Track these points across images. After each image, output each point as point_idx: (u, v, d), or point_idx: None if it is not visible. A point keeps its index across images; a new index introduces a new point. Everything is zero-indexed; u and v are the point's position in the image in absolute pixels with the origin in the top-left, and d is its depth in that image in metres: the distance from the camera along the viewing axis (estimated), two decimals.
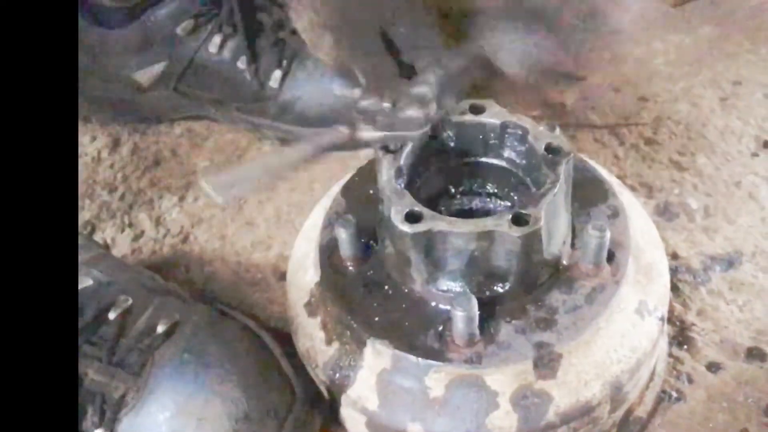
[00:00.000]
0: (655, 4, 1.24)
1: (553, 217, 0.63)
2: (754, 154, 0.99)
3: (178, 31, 0.98)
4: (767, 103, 1.06)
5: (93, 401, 0.67)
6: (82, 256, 0.77)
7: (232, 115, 1.05)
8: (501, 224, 0.60)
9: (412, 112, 0.66)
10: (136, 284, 0.75)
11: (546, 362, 0.62)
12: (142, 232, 0.97)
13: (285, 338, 0.73)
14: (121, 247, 0.95)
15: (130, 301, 0.72)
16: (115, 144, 1.07)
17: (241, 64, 0.99)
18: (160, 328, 0.70)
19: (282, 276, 0.90)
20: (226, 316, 0.75)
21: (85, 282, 0.74)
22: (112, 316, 0.71)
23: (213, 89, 1.02)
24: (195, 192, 1.01)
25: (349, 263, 0.69)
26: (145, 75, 1.02)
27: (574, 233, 0.69)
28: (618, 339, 0.65)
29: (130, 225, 0.97)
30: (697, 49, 1.16)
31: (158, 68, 1.01)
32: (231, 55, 0.99)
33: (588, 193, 0.72)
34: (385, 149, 0.66)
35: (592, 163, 0.76)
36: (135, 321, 0.71)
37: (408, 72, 0.74)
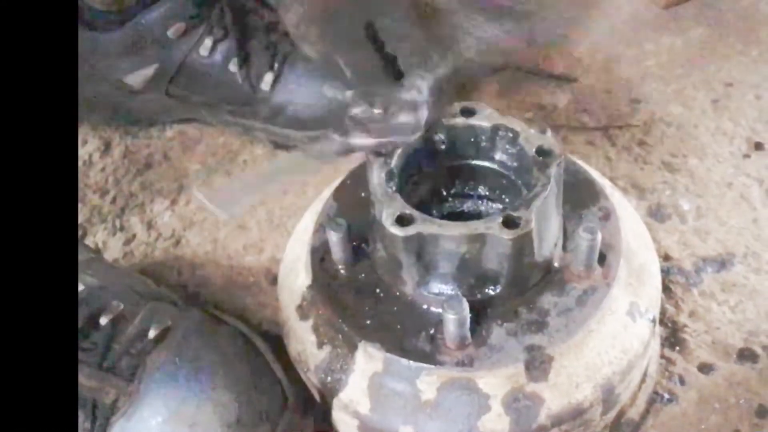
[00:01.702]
0: (647, 6, 1.25)
1: (544, 219, 0.63)
2: (746, 156, 1.00)
3: (169, 34, 0.98)
4: (759, 105, 1.06)
5: (84, 407, 0.66)
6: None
7: (223, 118, 1.04)
8: (492, 227, 0.60)
9: (404, 118, 0.66)
10: (128, 289, 0.75)
11: (537, 365, 0.62)
12: (134, 236, 0.96)
13: (277, 342, 0.73)
14: (113, 250, 0.95)
15: (122, 307, 0.72)
16: (107, 147, 1.06)
17: (233, 66, 0.99)
18: (152, 333, 0.70)
19: (274, 279, 0.89)
20: (219, 321, 0.75)
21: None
22: (103, 321, 0.71)
23: (204, 92, 1.02)
24: (187, 195, 1.00)
25: (340, 266, 0.69)
26: (137, 78, 1.01)
27: (566, 235, 0.69)
28: (609, 341, 0.65)
29: (122, 228, 0.97)
30: (688, 50, 1.17)
31: (149, 71, 1.01)
32: (222, 57, 0.99)
33: (579, 195, 0.72)
34: (376, 152, 0.66)
35: (584, 164, 0.76)
36: (127, 326, 0.70)
37: (392, 64, 0.74)
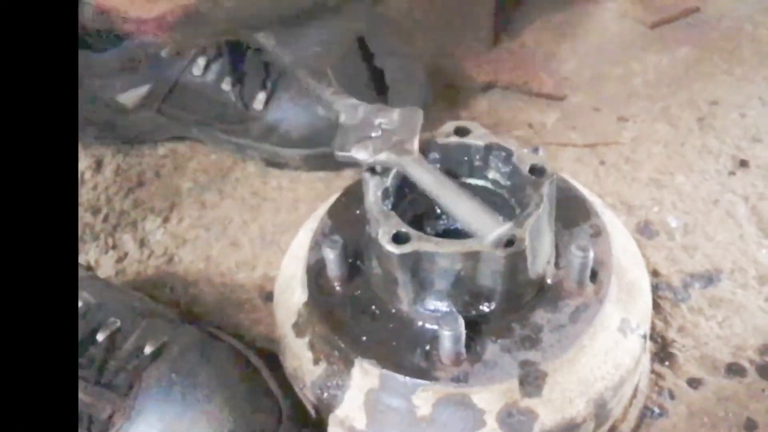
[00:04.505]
0: (633, 25, 1.27)
1: (537, 237, 0.64)
2: (731, 173, 1.01)
3: (163, 53, 0.99)
4: (743, 123, 1.08)
5: (80, 422, 0.67)
6: None
7: (216, 136, 1.05)
8: (486, 245, 0.61)
9: (358, 152, 0.67)
10: (125, 306, 0.75)
11: (531, 380, 0.63)
12: (126, 254, 0.96)
13: (270, 358, 0.74)
14: (105, 268, 0.95)
15: (119, 323, 0.72)
16: (98, 165, 1.07)
17: (226, 85, 1.00)
18: (148, 349, 0.70)
19: (267, 296, 0.90)
20: (214, 338, 0.75)
21: None
22: (100, 337, 0.71)
23: (197, 111, 1.03)
24: (179, 213, 1.01)
25: (336, 283, 0.70)
26: (130, 97, 1.02)
27: (558, 252, 0.70)
28: (601, 357, 0.66)
29: (114, 246, 0.97)
30: (674, 69, 1.18)
31: (142, 90, 1.01)
32: (215, 76, 1.00)
33: (571, 213, 0.73)
34: (372, 170, 0.66)
35: (575, 182, 0.78)
36: (123, 342, 0.71)
37: (379, 78, 0.76)
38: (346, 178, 1.02)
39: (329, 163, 1.02)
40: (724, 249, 0.92)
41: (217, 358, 0.71)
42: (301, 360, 0.69)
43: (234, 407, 0.67)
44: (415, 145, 0.67)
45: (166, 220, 1.00)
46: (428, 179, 0.65)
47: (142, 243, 0.98)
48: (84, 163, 1.06)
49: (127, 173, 1.06)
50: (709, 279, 0.89)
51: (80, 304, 0.73)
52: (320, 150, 1.00)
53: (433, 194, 0.65)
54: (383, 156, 0.67)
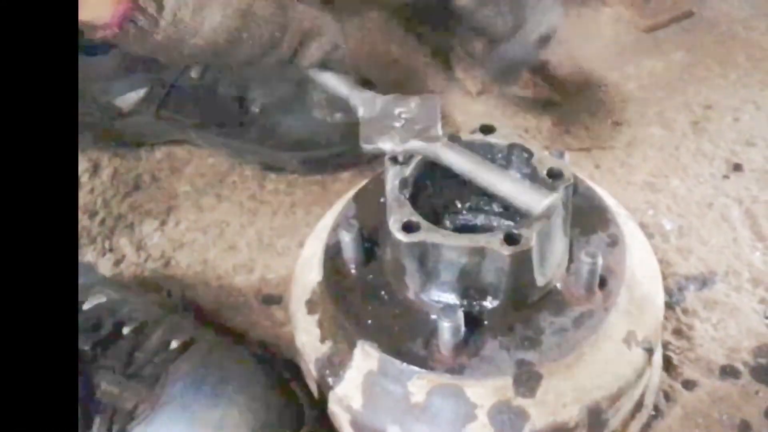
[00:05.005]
0: (628, 30, 1.27)
1: (548, 240, 0.64)
2: (725, 177, 1.02)
3: None
4: (737, 127, 1.09)
5: (103, 412, 0.67)
6: (93, 279, 0.79)
7: (213, 139, 1.05)
8: (493, 242, 0.62)
9: (385, 143, 0.69)
10: (148, 303, 0.77)
11: (525, 380, 0.63)
12: (123, 257, 0.97)
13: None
14: (103, 271, 0.94)
15: (143, 318, 0.74)
16: (95, 169, 1.07)
17: (223, 88, 1.00)
18: (175, 344, 0.71)
19: (264, 299, 0.91)
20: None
21: (99, 299, 0.75)
22: (126, 331, 0.72)
23: (194, 114, 1.03)
24: (176, 216, 1.01)
25: (351, 266, 0.71)
26: (127, 100, 1.02)
27: (571, 258, 0.70)
28: (601, 365, 0.65)
29: (111, 250, 0.97)
30: (669, 74, 1.19)
31: (140, 93, 1.02)
32: (212, 80, 1.00)
33: (591, 220, 0.73)
34: (394, 159, 0.68)
35: (600, 191, 0.77)
36: (149, 337, 0.72)
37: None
38: (344, 181, 1.02)
39: (326, 166, 1.03)
40: (718, 252, 0.93)
41: (245, 355, 0.73)
42: (310, 336, 0.70)
43: (266, 398, 0.68)
44: (440, 130, 0.69)
45: (163, 223, 1.01)
46: (463, 161, 0.66)
47: (139, 246, 0.98)
48: (81, 166, 1.06)
49: (124, 177, 1.06)
50: (704, 281, 0.89)
51: (104, 299, 0.75)
52: (317, 153, 1.01)
53: (471, 175, 0.66)
54: (412, 144, 0.68)
